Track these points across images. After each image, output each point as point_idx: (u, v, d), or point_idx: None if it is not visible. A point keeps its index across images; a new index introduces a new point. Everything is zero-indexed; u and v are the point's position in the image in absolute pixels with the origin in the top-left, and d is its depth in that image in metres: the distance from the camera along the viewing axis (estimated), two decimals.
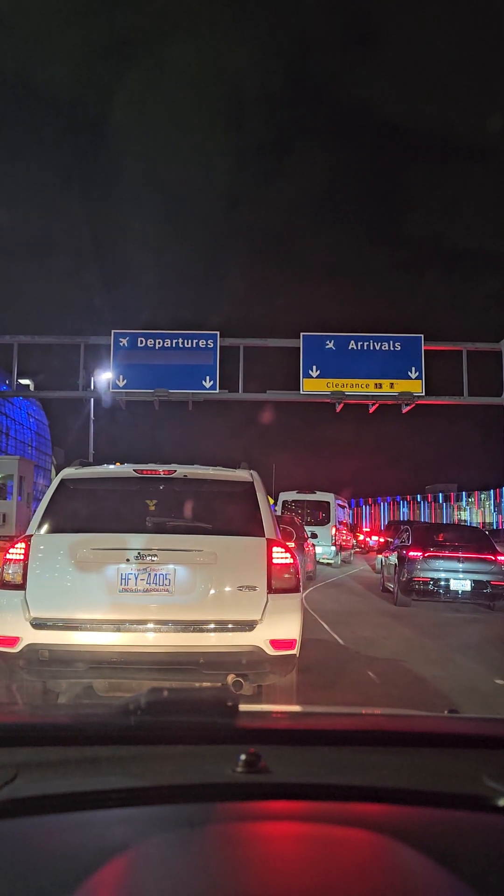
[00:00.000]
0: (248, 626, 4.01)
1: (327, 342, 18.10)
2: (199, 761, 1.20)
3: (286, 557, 4.22)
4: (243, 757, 1.14)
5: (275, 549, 4.20)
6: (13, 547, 4.20)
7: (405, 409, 18.07)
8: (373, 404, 18.02)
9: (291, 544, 13.36)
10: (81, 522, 4.36)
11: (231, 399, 18.04)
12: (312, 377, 17.93)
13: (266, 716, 1.58)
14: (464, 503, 73.29)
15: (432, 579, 11.23)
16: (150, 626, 4.00)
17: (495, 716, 1.88)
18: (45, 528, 4.25)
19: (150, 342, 17.98)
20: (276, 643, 4.01)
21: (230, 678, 3.93)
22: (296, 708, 2.67)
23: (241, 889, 0.83)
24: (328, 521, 20.72)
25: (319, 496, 21.28)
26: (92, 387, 18.42)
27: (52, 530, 4.25)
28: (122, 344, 17.95)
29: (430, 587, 11.19)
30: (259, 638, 3.99)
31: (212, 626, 4.02)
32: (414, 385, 17.89)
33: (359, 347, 18.06)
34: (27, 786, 1.12)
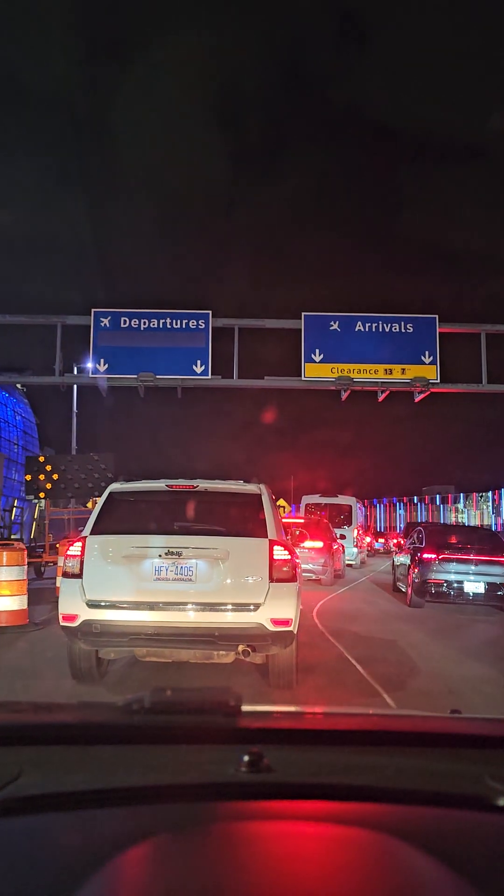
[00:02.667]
0: (254, 607, 5.09)
1: (332, 323, 16.33)
2: (201, 761, 1.22)
3: (285, 554, 5.27)
4: (246, 757, 1.16)
5: (275, 547, 5.26)
6: (72, 545, 5.41)
7: (418, 398, 16.18)
8: (382, 392, 16.03)
9: (320, 543, 15.03)
10: (124, 526, 5.49)
11: (225, 386, 16.25)
12: (315, 362, 16.20)
13: (268, 716, 1.55)
14: (461, 505, 72.03)
15: (446, 581, 11.36)
16: (178, 606, 5.10)
17: (497, 716, 1.86)
18: (97, 530, 5.40)
19: (134, 322, 16.14)
20: (275, 621, 5.07)
21: (240, 648, 5.04)
22: (298, 708, 2.63)
23: (244, 887, 0.86)
24: (350, 524, 21.58)
25: (342, 500, 22.30)
26: (75, 372, 16.36)
27: (102, 532, 5.40)
28: (103, 324, 16.10)
29: (444, 589, 11.33)
30: (262, 617, 5.07)
31: (225, 607, 5.12)
32: (428, 371, 16.21)
33: (367, 329, 16.32)
34: (30, 784, 1.14)
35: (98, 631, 5.06)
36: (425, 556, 11.60)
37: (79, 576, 5.19)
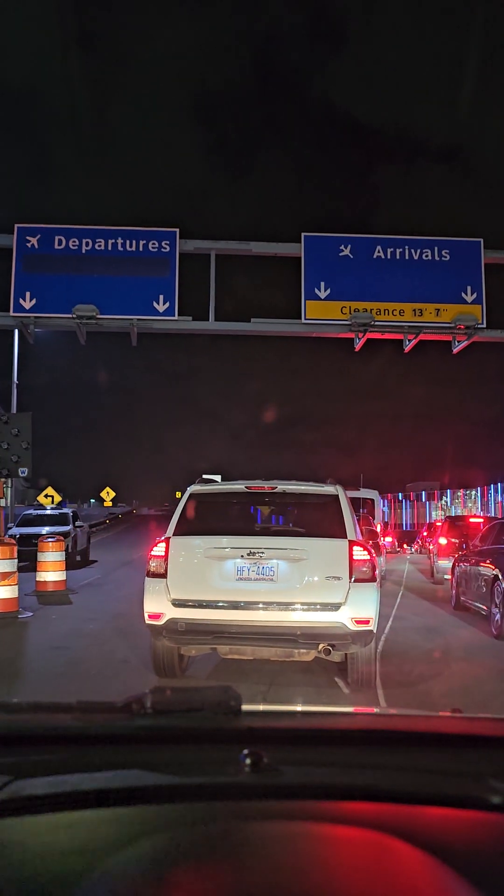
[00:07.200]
0: (335, 607, 5.63)
1: (342, 247, 12.05)
2: (201, 761, 1.30)
3: (364, 555, 5.84)
4: (247, 758, 1.21)
5: (355, 548, 5.77)
6: (156, 546, 6.05)
7: (458, 348, 11.62)
8: (412, 339, 11.43)
9: (369, 542, 15.88)
10: (206, 527, 6.19)
11: (196, 331, 11.57)
12: (320, 298, 11.93)
13: (269, 716, 1.64)
14: (448, 502, 68.44)
15: None
16: (259, 606, 5.69)
17: (499, 716, 1.68)
18: (180, 531, 6.09)
19: (73, 242, 11.68)
20: (356, 621, 5.61)
21: (321, 646, 5.62)
22: (299, 708, 2.52)
23: (245, 888, 0.88)
24: (373, 520, 19.06)
25: (364, 493, 19.83)
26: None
27: (185, 533, 6.08)
28: (29, 244, 11.73)
29: None
30: (343, 616, 5.60)
31: (306, 606, 5.69)
32: (471, 311, 11.47)
33: (388, 256, 12.14)
34: (30, 784, 1.20)
35: (183, 629, 5.62)
36: None
37: (163, 575, 5.76)
